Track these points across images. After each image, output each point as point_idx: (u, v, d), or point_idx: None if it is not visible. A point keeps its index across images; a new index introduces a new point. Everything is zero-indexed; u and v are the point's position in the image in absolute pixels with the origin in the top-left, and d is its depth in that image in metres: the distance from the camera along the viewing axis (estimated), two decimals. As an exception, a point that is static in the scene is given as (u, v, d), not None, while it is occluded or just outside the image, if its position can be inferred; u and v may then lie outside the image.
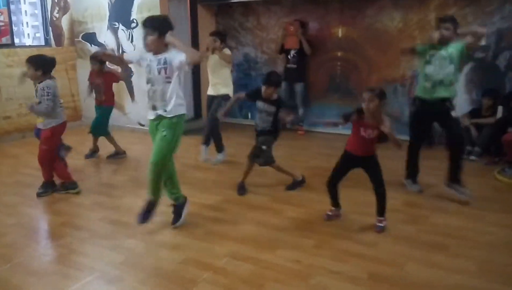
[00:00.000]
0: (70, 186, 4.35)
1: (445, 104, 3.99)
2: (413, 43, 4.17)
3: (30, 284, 2.78)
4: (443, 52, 3.90)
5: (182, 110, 3.37)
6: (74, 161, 5.29)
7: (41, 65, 4.10)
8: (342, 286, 2.70)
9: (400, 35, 6.12)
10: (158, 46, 3.25)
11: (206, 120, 5.46)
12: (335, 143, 6.19)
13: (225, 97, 5.01)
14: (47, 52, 6.88)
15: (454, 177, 4.05)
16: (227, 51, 5.11)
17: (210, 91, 5.24)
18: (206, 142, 5.32)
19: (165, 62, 3.23)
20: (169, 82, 3.26)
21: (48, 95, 4.04)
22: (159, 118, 3.34)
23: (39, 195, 4.27)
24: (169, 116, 3.30)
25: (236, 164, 5.09)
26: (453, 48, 3.90)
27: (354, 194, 4.12)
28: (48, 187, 4.33)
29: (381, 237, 3.33)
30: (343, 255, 3.06)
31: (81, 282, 2.78)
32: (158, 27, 3.22)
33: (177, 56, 3.22)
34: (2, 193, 4.40)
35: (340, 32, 6.59)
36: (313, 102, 6.96)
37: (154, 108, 3.34)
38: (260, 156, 4.26)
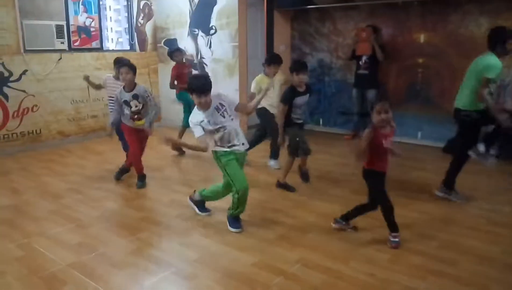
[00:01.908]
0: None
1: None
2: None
3: (112, 274, 2.95)
4: None
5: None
6: (154, 160, 5.56)
7: (135, 70, 4.53)
8: (419, 304, 2.59)
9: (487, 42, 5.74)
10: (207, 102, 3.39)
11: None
12: (415, 154, 5.96)
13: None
14: (131, 56, 7.35)
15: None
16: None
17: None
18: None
19: (222, 106, 3.44)
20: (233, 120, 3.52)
21: (151, 95, 4.59)
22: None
23: (140, 187, 4.69)
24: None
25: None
26: None
27: (431, 210, 3.94)
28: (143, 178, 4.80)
29: (463, 256, 3.13)
30: (420, 271, 2.92)
31: (159, 276, 2.91)
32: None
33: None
34: (88, 187, 4.72)
35: (421, 37, 6.33)
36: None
37: (233, 145, 3.51)
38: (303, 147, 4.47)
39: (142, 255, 3.23)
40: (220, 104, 3.41)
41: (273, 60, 5.12)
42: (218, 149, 3.48)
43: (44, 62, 6.34)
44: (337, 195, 4.39)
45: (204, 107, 3.36)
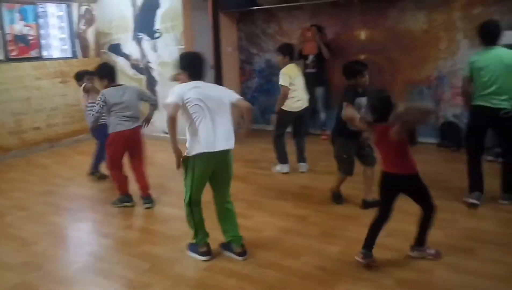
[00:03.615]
0: (125, 199, 4.28)
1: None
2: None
3: (60, 291, 2.84)
4: None
5: (193, 151, 2.97)
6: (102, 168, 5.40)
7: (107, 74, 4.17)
8: (369, 293, 2.66)
9: (425, 36, 6.02)
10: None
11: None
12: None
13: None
14: (74, 63, 7.11)
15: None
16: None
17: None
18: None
19: None
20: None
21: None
22: None
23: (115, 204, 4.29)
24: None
25: (261, 169, 5.09)
26: None
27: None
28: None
29: (407, 243, 3.25)
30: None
31: (109, 290, 2.83)
32: None
33: None
34: (32, 202, 4.51)
35: (362, 34, 6.53)
36: (335, 106, 6.89)
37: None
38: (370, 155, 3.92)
39: (90, 269, 3.12)
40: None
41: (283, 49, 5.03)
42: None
43: (-21, 74, 6.02)
44: (290, 192, 4.44)
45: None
